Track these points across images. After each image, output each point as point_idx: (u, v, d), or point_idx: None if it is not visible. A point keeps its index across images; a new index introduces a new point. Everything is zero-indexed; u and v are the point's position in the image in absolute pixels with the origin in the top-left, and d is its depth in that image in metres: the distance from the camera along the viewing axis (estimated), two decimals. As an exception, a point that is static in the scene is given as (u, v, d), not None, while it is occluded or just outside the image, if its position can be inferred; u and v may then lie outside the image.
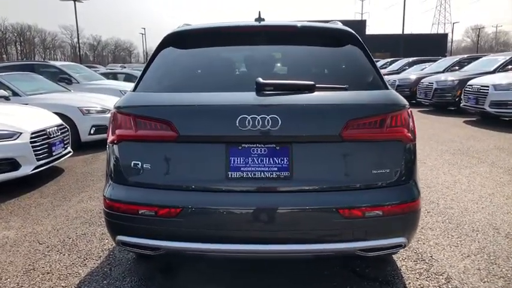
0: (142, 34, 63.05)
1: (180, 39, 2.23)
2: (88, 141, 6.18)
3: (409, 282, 2.31)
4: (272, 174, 1.78)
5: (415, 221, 1.88)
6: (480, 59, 11.20)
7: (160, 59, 2.15)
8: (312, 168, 1.79)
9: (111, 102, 6.73)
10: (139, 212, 1.81)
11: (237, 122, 1.75)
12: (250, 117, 1.75)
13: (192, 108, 1.82)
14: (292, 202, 1.75)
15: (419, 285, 2.29)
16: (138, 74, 11.07)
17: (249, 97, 1.83)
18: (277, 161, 1.79)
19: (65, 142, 4.78)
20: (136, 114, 1.87)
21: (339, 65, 2.10)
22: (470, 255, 2.63)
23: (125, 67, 25.02)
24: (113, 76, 11.27)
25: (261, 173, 1.78)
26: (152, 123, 1.84)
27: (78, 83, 8.51)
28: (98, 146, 6.36)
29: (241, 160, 1.79)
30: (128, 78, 11.29)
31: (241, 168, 1.79)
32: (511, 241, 2.84)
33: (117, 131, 1.92)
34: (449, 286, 2.27)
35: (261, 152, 1.79)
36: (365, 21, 58.52)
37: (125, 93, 2.14)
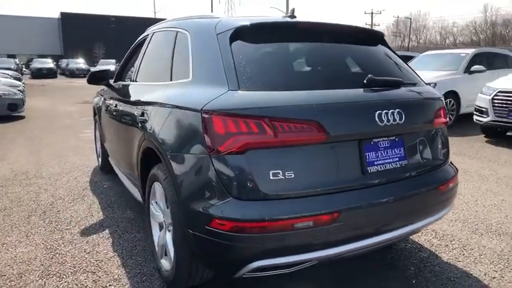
0: None
1: (252, 32, 1.97)
2: None
3: (419, 241, 2.85)
4: (396, 164, 1.91)
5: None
6: None
7: (242, 53, 1.87)
8: (415, 155, 2.02)
9: None
10: (295, 226, 1.60)
11: (376, 117, 1.80)
12: (384, 112, 1.82)
13: (337, 106, 1.74)
14: (412, 186, 1.94)
15: (425, 240, 2.87)
16: None
17: (370, 93, 1.89)
18: (397, 152, 1.93)
19: None
20: (274, 117, 1.62)
21: (386, 62, 2.31)
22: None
23: None
24: None
25: (389, 165, 1.88)
26: (294, 125, 1.64)
27: None
28: None
29: (373, 154, 1.84)
30: None
31: (375, 162, 1.84)
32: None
33: (240, 138, 1.61)
34: (442, 236, 2.94)
35: (385, 144, 1.89)
36: (165, 20, 58.52)
37: None
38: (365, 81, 1.92)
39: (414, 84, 2.19)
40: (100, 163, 4.72)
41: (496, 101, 6.18)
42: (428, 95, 2.18)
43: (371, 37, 2.36)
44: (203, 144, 1.70)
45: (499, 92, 6.18)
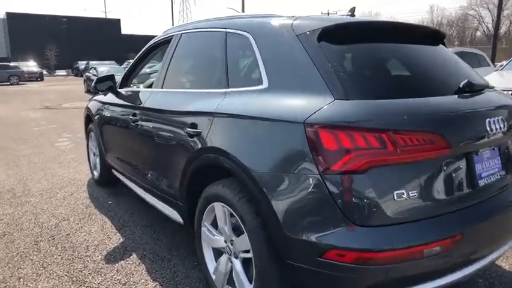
0: None
1: (340, 33, 1.77)
2: None
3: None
4: (497, 175, 1.77)
5: None
6: None
7: (336, 57, 1.66)
8: (508, 164, 1.87)
9: None
10: (424, 253, 1.42)
11: (487, 125, 1.65)
12: (493, 120, 1.68)
13: (458, 116, 1.59)
14: None
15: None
16: None
17: (476, 99, 1.76)
18: (496, 162, 1.79)
19: None
20: (398, 129, 1.43)
21: (459, 63, 2.12)
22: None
23: None
24: None
25: (492, 176, 1.74)
26: (417, 138, 1.45)
27: None
28: None
29: (480, 166, 1.70)
30: None
31: (482, 175, 1.69)
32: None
33: (361, 155, 1.40)
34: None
35: (488, 155, 1.75)
36: (119, 20, 56.44)
37: None
38: (461, 85, 1.78)
39: (493, 88, 2.09)
40: (96, 177, 4.28)
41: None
42: (510, 99, 2.08)
43: (437, 36, 2.19)
44: (310, 161, 1.47)
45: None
